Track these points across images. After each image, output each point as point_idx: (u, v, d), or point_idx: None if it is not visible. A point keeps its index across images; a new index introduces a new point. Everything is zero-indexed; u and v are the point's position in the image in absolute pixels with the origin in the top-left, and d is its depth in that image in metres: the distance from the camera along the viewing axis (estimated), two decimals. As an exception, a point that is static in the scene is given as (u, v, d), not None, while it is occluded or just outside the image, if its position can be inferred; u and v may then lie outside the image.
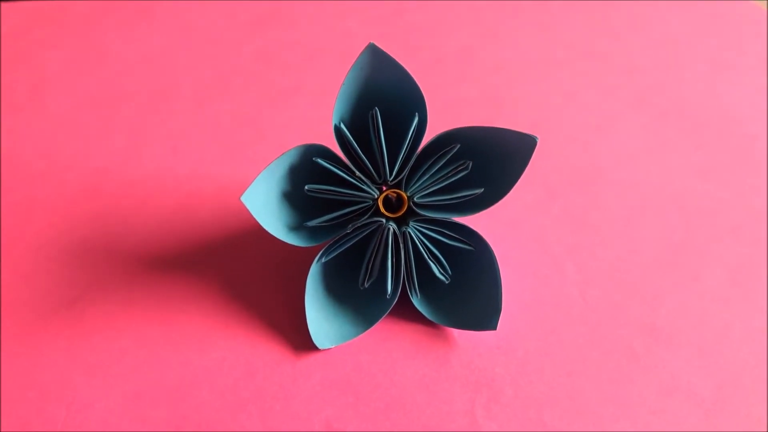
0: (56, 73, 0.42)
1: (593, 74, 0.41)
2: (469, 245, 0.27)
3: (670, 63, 0.41)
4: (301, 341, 0.27)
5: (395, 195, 0.27)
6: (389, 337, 0.27)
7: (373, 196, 0.26)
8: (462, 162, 0.26)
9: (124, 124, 0.37)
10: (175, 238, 0.31)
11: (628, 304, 0.28)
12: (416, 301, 0.27)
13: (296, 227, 0.27)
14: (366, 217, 0.26)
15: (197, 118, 0.38)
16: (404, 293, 0.28)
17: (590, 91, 0.39)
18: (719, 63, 0.42)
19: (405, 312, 0.28)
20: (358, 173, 0.26)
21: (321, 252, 0.26)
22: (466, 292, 0.27)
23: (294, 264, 0.30)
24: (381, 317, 0.26)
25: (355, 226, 0.26)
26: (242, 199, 0.25)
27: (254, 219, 0.26)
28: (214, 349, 0.27)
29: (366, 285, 0.27)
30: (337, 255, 0.27)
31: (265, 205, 0.26)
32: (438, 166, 0.26)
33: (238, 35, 0.44)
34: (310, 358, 0.26)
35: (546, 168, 0.35)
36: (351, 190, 0.26)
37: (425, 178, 0.26)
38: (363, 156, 0.26)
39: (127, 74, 0.41)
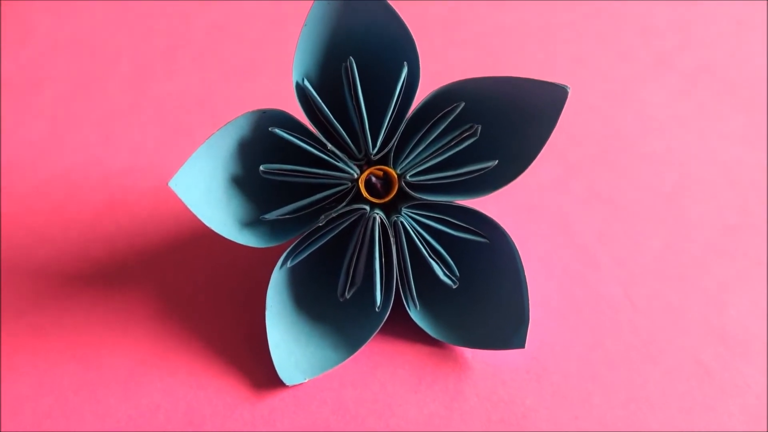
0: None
1: (604, 36, 0.39)
2: (483, 237, 0.23)
3: (690, 22, 0.40)
4: (262, 375, 0.24)
5: (381, 174, 0.23)
6: (381, 364, 0.24)
7: (352, 176, 0.23)
8: (468, 126, 0.23)
9: (45, 110, 0.35)
10: (99, 246, 0.28)
11: (688, 305, 0.25)
12: (415, 315, 0.24)
13: (251, 222, 0.23)
14: (343, 204, 0.23)
15: (136, 101, 0.35)
16: (399, 304, 0.24)
17: (603, 55, 0.37)
18: (746, 19, 0.40)
19: (401, 329, 0.25)
20: (330, 146, 0.23)
21: (285, 254, 0.23)
22: (480, 300, 0.24)
23: (251, 273, 0.27)
24: (369, 338, 0.24)
25: (330, 218, 0.23)
26: (171, 184, 0.21)
27: (203, 221, 0.23)
28: (145, 392, 0.23)
29: (347, 295, 0.24)
30: (307, 257, 0.24)
31: (206, 194, 0.23)
32: (436, 133, 0.23)
33: (186, 7, 0.42)
34: (276, 399, 0.23)
35: (561, 141, 0.31)
36: (322, 169, 0.23)
37: (420, 149, 0.23)
38: (336, 123, 0.23)
39: (52, 52, 0.39)
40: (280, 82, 0.34)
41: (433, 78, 0.25)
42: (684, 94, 0.34)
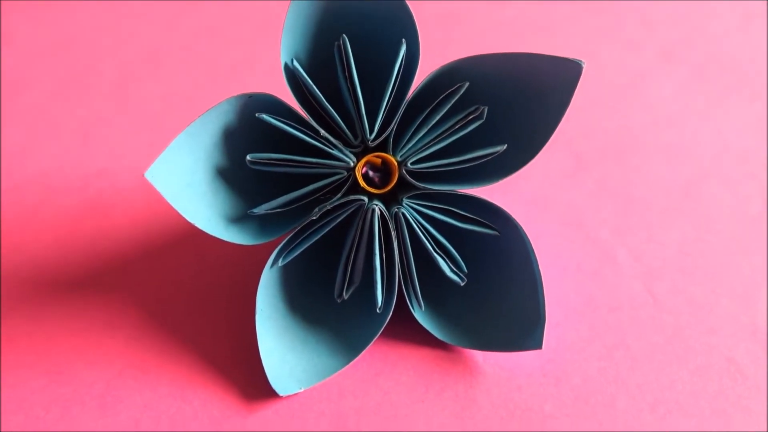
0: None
1: (608, 29, 0.39)
2: (493, 229, 0.22)
3: (694, 13, 0.40)
4: (254, 386, 0.23)
5: (380, 161, 0.22)
6: (384, 371, 0.23)
7: (348, 164, 0.22)
8: (473, 108, 0.22)
9: (23, 113, 0.34)
10: (75, 251, 0.27)
11: (714, 299, 0.24)
12: (420, 315, 0.23)
13: (238, 217, 0.23)
14: (339, 195, 0.22)
15: (117, 101, 0.35)
16: (402, 304, 0.24)
17: (607, 48, 0.38)
18: (752, 8, 0.40)
19: (405, 332, 0.24)
20: (323, 133, 0.22)
21: (276, 252, 0.22)
22: (490, 298, 0.24)
23: (239, 273, 0.26)
24: (370, 342, 0.23)
25: (324, 210, 0.22)
26: (147, 176, 0.20)
27: (184, 216, 0.22)
28: (123, 407, 0.22)
29: (345, 296, 0.23)
30: (300, 255, 0.23)
31: (188, 187, 0.22)
32: (438, 116, 0.22)
33: (170, 8, 0.42)
34: (269, 411, 0.22)
35: (570, 133, 0.31)
36: (315, 158, 0.22)
37: (421, 134, 0.22)
38: (329, 107, 0.22)
39: (32, 56, 0.38)
40: (270, 85, 0.35)
41: (432, 66, 0.25)
42: (693, 85, 0.34)
